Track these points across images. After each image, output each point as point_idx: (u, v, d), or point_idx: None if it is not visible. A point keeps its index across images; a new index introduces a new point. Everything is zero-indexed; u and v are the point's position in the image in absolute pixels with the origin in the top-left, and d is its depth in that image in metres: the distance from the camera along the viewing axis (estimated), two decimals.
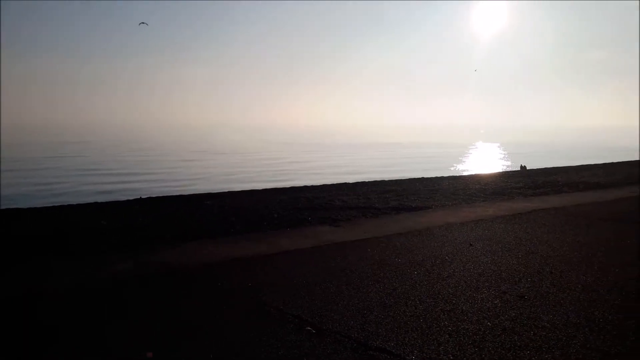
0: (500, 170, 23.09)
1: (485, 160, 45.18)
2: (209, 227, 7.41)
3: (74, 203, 11.82)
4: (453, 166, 36.16)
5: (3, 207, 11.19)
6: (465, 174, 22.19)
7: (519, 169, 22.82)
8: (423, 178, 17.69)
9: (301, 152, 51.62)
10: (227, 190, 13.82)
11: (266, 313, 3.99)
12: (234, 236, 6.80)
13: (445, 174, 20.96)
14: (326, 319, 3.85)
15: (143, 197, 11.71)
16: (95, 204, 10.89)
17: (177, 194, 15.10)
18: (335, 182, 16.63)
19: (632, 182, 13.88)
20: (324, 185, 15.52)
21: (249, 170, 30.69)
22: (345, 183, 16.13)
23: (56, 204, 11.24)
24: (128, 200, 11.14)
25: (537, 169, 21.68)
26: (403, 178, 18.26)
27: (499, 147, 68.85)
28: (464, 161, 43.19)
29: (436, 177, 17.92)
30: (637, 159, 27.67)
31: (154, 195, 12.53)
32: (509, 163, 34.48)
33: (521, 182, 14.08)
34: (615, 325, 3.70)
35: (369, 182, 16.60)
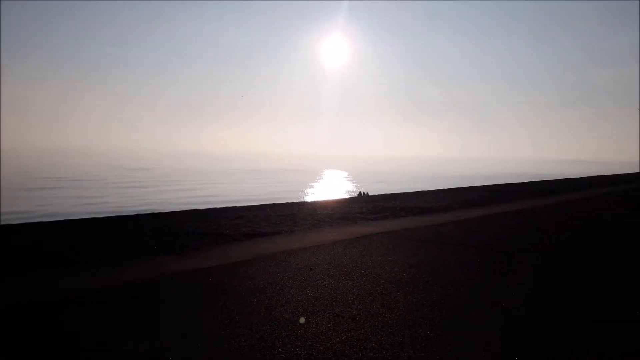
0: (347, 196, 24.20)
1: (334, 186, 47.13)
2: (50, 256, 6.72)
3: None
4: (304, 192, 37.17)
5: None
6: (314, 200, 22.88)
7: (358, 195, 24.12)
8: (274, 204, 17.89)
9: (161, 178, 49.51)
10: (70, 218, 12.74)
11: (81, 349, 3.68)
12: (72, 266, 6.23)
13: (297, 200, 21.43)
14: (156, 354, 3.65)
15: None
16: None
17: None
18: (187, 209, 16.16)
19: (459, 207, 15.36)
20: (174, 212, 14.98)
21: (98, 196, 28.62)
22: (197, 209, 15.74)
23: None
24: None
25: (379, 194, 23.10)
26: (255, 204, 18.29)
27: (345, 174, 72.32)
28: (314, 187, 44.62)
29: (287, 203, 18.24)
30: (466, 185, 30.78)
31: None
32: (355, 189, 36.32)
33: (364, 208, 14.86)
34: (435, 342, 3.99)
35: (220, 208, 16.37)
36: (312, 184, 51.10)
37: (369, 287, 5.54)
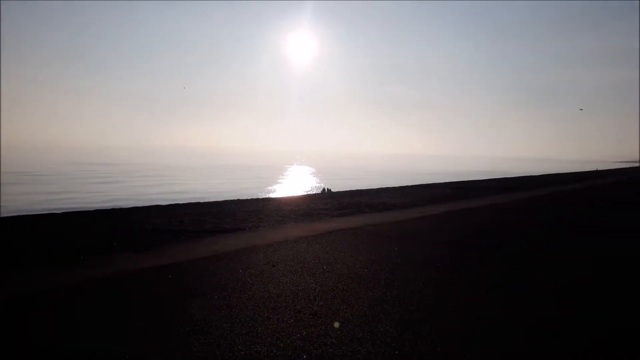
0: (312, 193, 24.24)
1: (299, 183, 47.05)
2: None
3: None
4: (270, 188, 37.02)
5: None
6: (280, 196, 22.83)
7: (321, 192, 24.20)
8: (239, 200, 17.79)
9: (127, 173, 48.55)
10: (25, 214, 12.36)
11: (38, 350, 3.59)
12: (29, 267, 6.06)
13: (262, 196, 21.33)
14: (110, 354, 3.59)
15: None
16: None
17: None
18: (150, 205, 15.92)
19: (423, 203, 15.56)
20: (136, 208, 14.72)
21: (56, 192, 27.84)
22: (159, 205, 15.51)
23: None
24: None
25: (344, 191, 23.21)
26: (220, 200, 18.13)
27: (312, 170, 72.36)
28: (280, 184, 44.48)
29: (252, 199, 18.16)
30: (429, 182, 31.19)
31: None
32: (319, 185, 36.38)
33: (329, 204, 14.91)
34: (395, 337, 4.03)
35: (184, 204, 16.18)
36: (278, 180, 50.90)
37: (330, 284, 5.56)
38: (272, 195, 27.01)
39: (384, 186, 27.12)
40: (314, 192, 23.96)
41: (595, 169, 73.97)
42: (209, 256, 6.94)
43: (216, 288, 5.32)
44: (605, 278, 6.18)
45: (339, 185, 31.86)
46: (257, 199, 17.91)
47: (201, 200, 17.77)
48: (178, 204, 15.63)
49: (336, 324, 4.24)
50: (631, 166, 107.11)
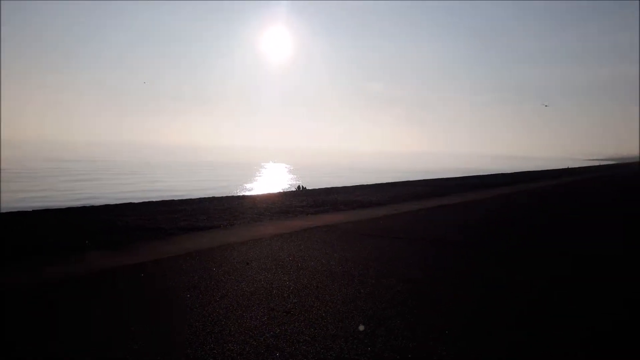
0: (288, 190, 24.19)
1: (275, 180, 46.97)
2: None
3: None
4: (244, 186, 36.86)
5: None
6: (255, 193, 22.73)
7: (296, 189, 24.21)
8: (214, 197, 17.64)
9: (100, 170, 47.73)
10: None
11: None
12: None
13: (237, 194, 21.21)
14: (81, 355, 3.53)
15: None
16: None
17: None
18: (123, 202, 15.68)
19: (396, 201, 15.67)
20: (108, 205, 14.49)
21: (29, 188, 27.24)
22: (132, 203, 15.30)
23: None
24: None
25: (320, 188, 23.22)
26: (194, 198, 17.97)
27: (288, 168, 72.26)
28: (255, 181, 44.33)
29: (227, 197, 18.03)
30: (405, 180, 31.42)
31: None
32: (296, 183, 36.34)
33: (304, 201, 14.90)
34: (368, 333, 4.05)
35: (158, 202, 15.99)
36: (253, 177, 50.74)
37: (304, 281, 5.56)
38: (247, 193, 26.90)
39: (360, 183, 27.21)
40: (289, 190, 23.92)
41: (567, 167, 75.44)
42: (182, 254, 6.88)
43: (189, 286, 5.27)
44: (582, 276, 6.30)
45: (315, 183, 31.89)
46: (232, 197, 17.80)
47: (175, 198, 17.57)
48: (151, 202, 15.42)
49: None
50: (602, 164, 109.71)
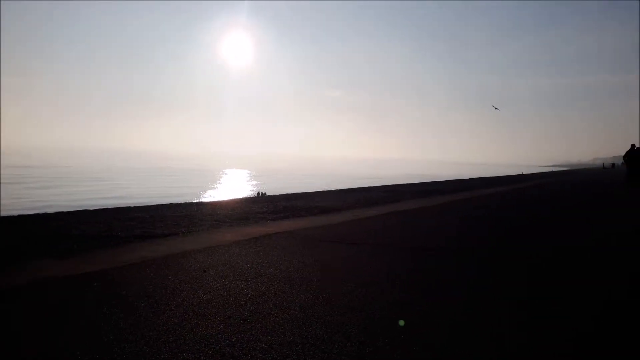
0: (248, 196, 24.02)
1: (235, 186, 46.59)
2: None
3: None
4: (204, 192, 36.41)
5: None
6: (215, 200, 22.47)
7: (257, 195, 24.10)
8: (172, 204, 17.35)
9: (56, 177, 46.21)
10: None
11: None
12: None
13: (197, 200, 20.92)
14: None
15: None
16: None
17: None
18: (76, 210, 15.23)
19: (355, 207, 15.77)
20: (59, 212, 14.05)
21: None
22: (87, 210, 14.88)
23: None
24: None
25: (281, 194, 23.16)
26: (152, 204, 17.62)
27: (249, 174, 71.82)
28: (215, 187, 43.86)
29: (186, 203, 17.76)
30: (365, 185, 31.67)
31: None
32: (256, 189, 36.13)
33: (265, 208, 14.81)
34: (325, 340, 4.04)
35: (113, 208, 15.60)
36: (214, 183, 50.20)
37: (263, 288, 5.51)
38: (206, 199, 26.57)
39: (321, 189, 27.27)
40: (250, 196, 23.74)
41: (521, 173, 77.57)
42: (137, 262, 6.72)
43: (143, 295, 5.15)
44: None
45: (276, 189, 31.78)
46: (191, 203, 17.53)
47: (132, 205, 17.19)
48: (107, 209, 15.04)
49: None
50: (555, 170, 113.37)
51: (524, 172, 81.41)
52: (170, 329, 4.18)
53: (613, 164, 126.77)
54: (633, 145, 30.28)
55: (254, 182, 51.98)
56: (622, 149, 30.97)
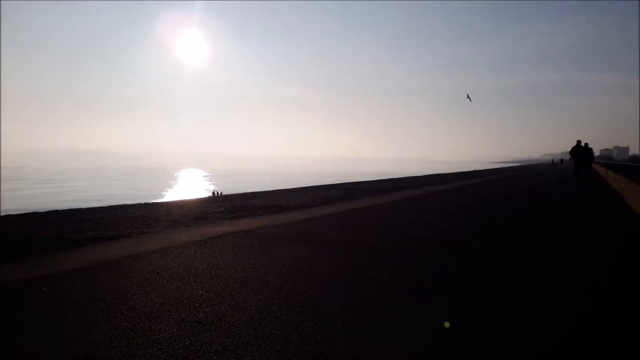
0: (205, 196, 23.71)
1: (192, 186, 45.91)
2: None
3: None
4: (160, 192, 35.72)
5: None
6: (170, 200, 22.08)
7: (212, 195, 23.85)
8: (126, 205, 16.94)
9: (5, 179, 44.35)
10: None
11: None
12: None
13: (151, 200, 20.52)
14: None
15: None
16: None
17: None
18: (26, 212, 14.67)
19: (314, 205, 15.80)
20: (7, 215, 13.51)
21: None
22: (36, 212, 14.37)
23: None
24: None
25: (238, 193, 22.96)
26: (105, 206, 17.16)
27: (206, 174, 70.89)
28: (171, 187, 43.12)
29: (140, 204, 17.37)
30: (323, 184, 31.75)
31: None
32: (215, 188, 35.73)
33: (222, 207, 14.65)
34: (281, 339, 4.01)
35: (64, 210, 15.12)
36: (170, 183, 49.34)
37: (218, 289, 5.44)
38: (162, 200, 26.09)
39: (279, 188, 27.19)
40: (207, 196, 23.45)
41: (474, 169, 79.44)
42: (89, 265, 6.52)
43: (94, 299, 5.01)
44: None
45: (234, 188, 31.50)
46: (146, 204, 17.17)
47: (85, 206, 16.70)
48: (58, 210, 14.58)
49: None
50: (505, 166, 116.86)
51: (477, 169, 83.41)
52: (122, 334, 4.08)
53: (562, 160, 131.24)
54: (579, 142, 32.56)
55: (211, 182, 51.34)
56: (570, 145, 33.11)
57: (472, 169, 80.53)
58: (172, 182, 50.33)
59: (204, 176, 64.77)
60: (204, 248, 7.80)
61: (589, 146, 32.68)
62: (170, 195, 34.30)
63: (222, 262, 6.80)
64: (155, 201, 20.51)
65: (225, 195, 22.06)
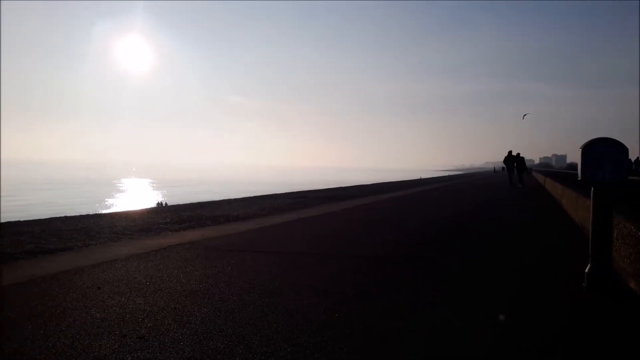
0: (150, 207, 23.17)
1: (136, 196, 44.77)
2: None
3: None
4: (103, 203, 34.65)
5: None
6: (114, 211, 21.46)
7: (157, 205, 23.38)
8: (66, 217, 16.34)
9: None
10: None
11: None
12: None
13: (94, 212, 19.87)
14: None
15: None
16: None
17: None
18: None
19: (262, 214, 15.75)
20: None
21: None
22: None
23: None
24: None
25: (185, 204, 22.58)
26: (44, 218, 16.49)
27: (151, 183, 69.32)
28: (115, 198, 41.90)
29: (81, 216, 16.80)
30: (271, 193, 31.66)
31: None
32: (159, 199, 34.97)
33: (168, 218, 14.38)
34: (226, 353, 3.97)
35: (1, 223, 14.43)
36: (113, 194, 47.87)
37: (162, 303, 5.34)
38: (105, 211, 25.31)
39: (226, 198, 26.92)
40: (152, 206, 22.93)
41: (419, 177, 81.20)
42: (25, 281, 6.27)
43: (31, 316, 4.81)
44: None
45: (181, 198, 30.90)
46: (88, 215, 16.63)
47: (22, 219, 16.00)
48: None
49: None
50: (450, 174, 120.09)
51: (422, 177, 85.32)
52: (60, 351, 3.94)
53: (503, 167, 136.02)
54: (510, 152, 36.69)
55: (157, 192, 50.22)
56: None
57: (419, 177, 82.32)
58: (114, 192, 48.89)
59: (150, 186, 63.27)
60: (148, 261, 7.63)
61: (521, 155, 37.37)
62: (115, 206, 33.33)
63: (166, 275, 6.68)
64: (99, 212, 19.88)
65: (172, 206, 21.65)
